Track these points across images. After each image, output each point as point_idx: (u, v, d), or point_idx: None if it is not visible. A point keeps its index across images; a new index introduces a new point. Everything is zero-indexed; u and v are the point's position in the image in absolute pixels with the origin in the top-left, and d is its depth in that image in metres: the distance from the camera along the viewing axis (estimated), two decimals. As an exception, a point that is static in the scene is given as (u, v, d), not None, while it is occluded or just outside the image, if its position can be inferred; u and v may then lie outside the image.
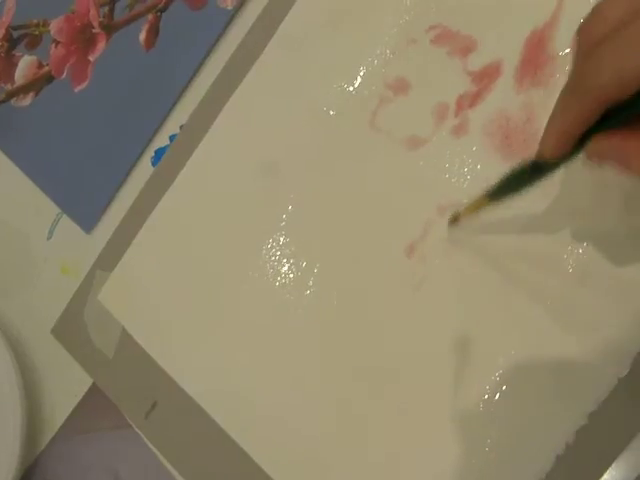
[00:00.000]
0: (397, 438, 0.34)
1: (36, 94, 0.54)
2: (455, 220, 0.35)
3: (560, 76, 0.34)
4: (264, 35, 0.44)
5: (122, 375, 0.45)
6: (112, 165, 0.50)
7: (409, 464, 0.34)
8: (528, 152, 0.34)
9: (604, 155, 0.25)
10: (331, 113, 0.41)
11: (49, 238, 0.52)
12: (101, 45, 0.50)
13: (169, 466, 0.42)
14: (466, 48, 0.37)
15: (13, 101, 0.55)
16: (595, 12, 0.24)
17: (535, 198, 0.33)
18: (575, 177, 0.33)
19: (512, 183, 0.31)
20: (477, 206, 0.33)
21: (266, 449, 0.38)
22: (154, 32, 0.49)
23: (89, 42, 0.51)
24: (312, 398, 0.37)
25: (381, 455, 0.35)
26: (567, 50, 0.34)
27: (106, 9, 0.50)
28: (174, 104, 0.48)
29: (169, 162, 0.47)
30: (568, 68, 0.34)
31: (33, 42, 0.54)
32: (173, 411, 0.42)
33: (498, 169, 0.34)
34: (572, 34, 0.34)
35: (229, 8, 0.46)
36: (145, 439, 0.43)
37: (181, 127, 0.48)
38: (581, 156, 0.26)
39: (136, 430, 0.44)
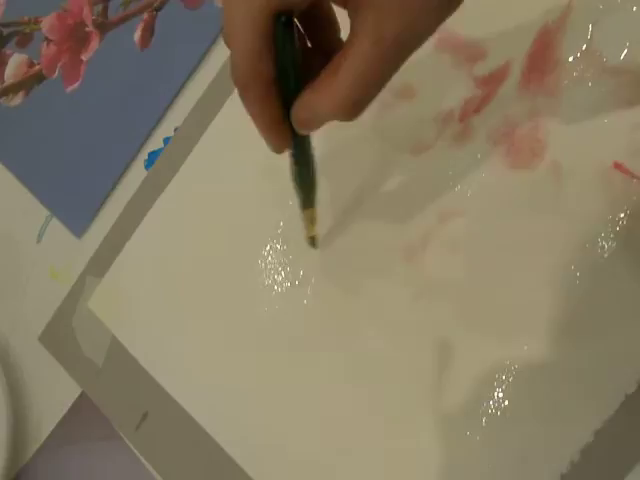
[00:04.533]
0: (394, 454, 0.33)
1: (26, 93, 0.53)
2: (313, 243, 0.38)
3: (568, 83, 0.34)
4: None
5: (112, 384, 0.44)
6: (104, 168, 0.49)
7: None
8: (534, 160, 0.34)
9: (301, 120, 0.25)
10: (332, 118, 0.40)
11: (38, 242, 0.51)
12: (94, 44, 0.49)
13: (160, 478, 0.41)
14: (472, 53, 0.36)
15: (2, 100, 0.54)
16: None
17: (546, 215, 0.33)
18: (584, 185, 0.32)
19: (300, 183, 0.32)
20: (310, 219, 0.35)
21: (258, 461, 0.37)
22: (149, 31, 0.48)
23: (82, 41, 0.50)
24: (306, 407, 0.36)
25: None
26: (577, 55, 0.34)
27: (100, 7, 0.49)
28: (169, 106, 0.47)
29: (163, 165, 0.46)
30: (576, 74, 0.34)
31: (24, 40, 0.53)
32: (164, 422, 0.41)
33: (503, 177, 0.34)
34: (580, 41, 0.34)
35: (226, 8, 0.45)
36: (135, 450, 0.42)
37: (176, 130, 0.46)
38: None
39: (126, 441, 0.43)
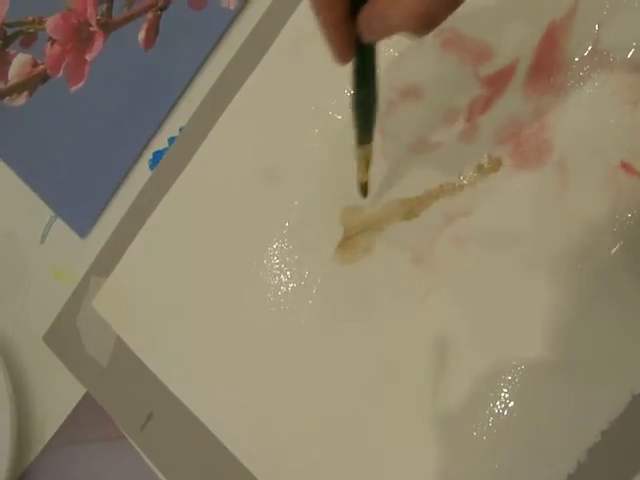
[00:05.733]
0: (398, 456, 0.33)
1: (30, 94, 0.53)
2: (364, 191, 0.35)
3: (574, 82, 0.34)
4: (267, 37, 0.43)
5: (117, 385, 0.43)
6: (108, 168, 0.48)
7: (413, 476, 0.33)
8: (540, 160, 0.34)
9: (369, 24, 0.25)
10: (337, 117, 0.40)
11: (42, 242, 0.51)
12: (98, 44, 0.49)
13: (164, 478, 0.41)
14: (477, 54, 0.36)
15: (6, 100, 0.54)
16: None
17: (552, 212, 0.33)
18: (590, 184, 0.32)
19: (359, 108, 0.30)
20: (363, 160, 0.33)
21: (264, 461, 0.37)
22: (154, 31, 0.48)
23: (86, 41, 0.50)
24: (313, 408, 0.36)
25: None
26: (583, 54, 0.33)
27: (104, 7, 0.49)
28: (173, 105, 0.47)
29: (168, 165, 0.46)
30: (582, 74, 0.34)
31: (28, 40, 0.53)
32: (170, 423, 0.41)
33: (509, 176, 0.34)
34: (586, 40, 0.34)
35: (231, 8, 0.45)
36: (140, 451, 0.42)
37: (180, 129, 0.46)
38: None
39: (130, 442, 0.42)
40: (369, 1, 0.24)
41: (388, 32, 0.25)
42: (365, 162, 0.34)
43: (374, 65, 0.28)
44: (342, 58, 0.27)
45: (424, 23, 0.23)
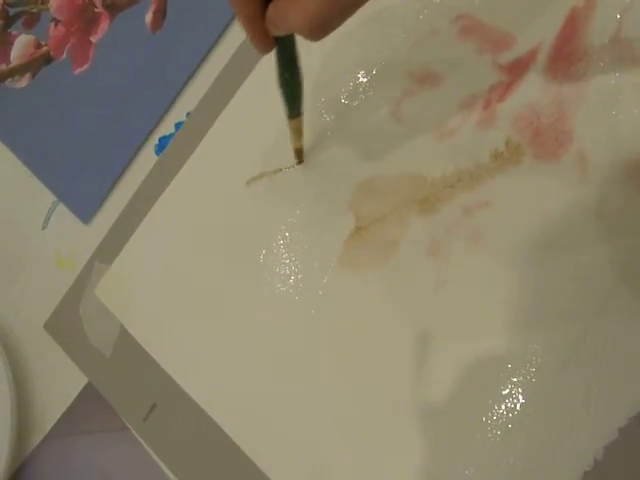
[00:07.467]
0: (417, 446, 0.33)
1: (33, 75, 0.52)
2: (300, 157, 0.39)
3: (595, 72, 0.33)
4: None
5: (119, 375, 0.43)
6: (113, 153, 0.48)
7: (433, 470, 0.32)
8: (560, 151, 0.33)
9: (274, 22, 0.27)
10: (354, 104, 0.39)
11: (44, 228, 0.50)
12: (104, 26, 0.48)
13: (167, 470, 0.40)
14: (496, 42, 0.35)
15: (8, 82, 0.53)
16: None
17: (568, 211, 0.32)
18: (610, 177, 0.31)
19: (284, 89, 0.33)
20: (295, 130, 0.37)
21: (268, 452, 0.37)
22: (161, 13, 0.47)
23: (91, 22, 0.49)
24: (315, 400, 0.36)
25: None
26: (604, 44, 0.33)
27: (110, -12, 0.48)
28: (181, 90, 0.46)
29: (174, 151, 0.45)
30: (603, 65, 0.33)
31: (31, 20, 0.52)
32: (173, 413, 0.40)
33: (528, 167, 0.33)
34: (607, 30, 0.33)
35: (242, -10, 0.44)
36: (143, 443, 0.41)
37: (188, 114, 0.46)
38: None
39: (133, 433, 0.42)
40: (273, 1, 0.27)
41: (288, 30, 0.27)
42: (297, 133, 0.37)
43: (294, 51, 0.31)
44: (262, 49, 0.30)
45: (317, 25, 0.25)
